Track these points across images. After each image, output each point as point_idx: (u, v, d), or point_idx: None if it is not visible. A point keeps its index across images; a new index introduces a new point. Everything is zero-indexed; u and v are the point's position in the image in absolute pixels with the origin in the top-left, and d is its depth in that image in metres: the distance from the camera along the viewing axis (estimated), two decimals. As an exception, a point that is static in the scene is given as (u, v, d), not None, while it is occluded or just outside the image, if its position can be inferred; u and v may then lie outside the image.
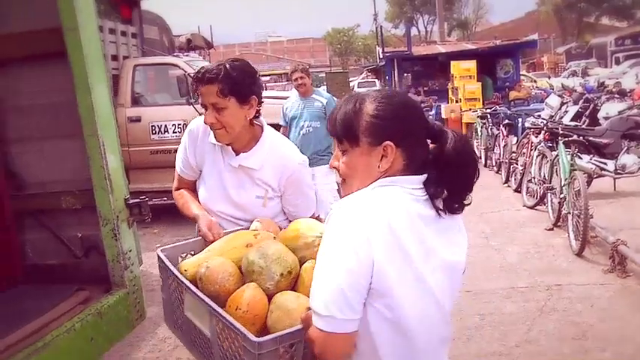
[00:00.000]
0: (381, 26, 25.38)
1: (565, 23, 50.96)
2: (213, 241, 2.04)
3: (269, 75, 39.75)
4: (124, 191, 2.74)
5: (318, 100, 5.87)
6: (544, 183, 6.83)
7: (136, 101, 7.89)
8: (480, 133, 11.06)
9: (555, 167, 6.47)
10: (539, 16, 52.19)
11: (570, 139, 6.68)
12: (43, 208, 3.01)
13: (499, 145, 9.53)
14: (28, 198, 3.02)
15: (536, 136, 7.61)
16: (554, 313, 4.28)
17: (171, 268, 1.88)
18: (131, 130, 7.70)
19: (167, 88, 8.16)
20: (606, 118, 8.40)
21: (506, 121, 10.01)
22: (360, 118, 1.46)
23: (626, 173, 6.80)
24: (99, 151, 2.59)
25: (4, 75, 2.95)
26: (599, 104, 9.45)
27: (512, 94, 14.52)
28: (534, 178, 7.26)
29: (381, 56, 19.68)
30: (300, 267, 1.79)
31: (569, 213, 5.71)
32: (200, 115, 2.30)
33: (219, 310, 1.61)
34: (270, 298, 1.70)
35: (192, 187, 2.40)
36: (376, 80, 29.91)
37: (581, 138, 7.09)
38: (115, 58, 7.63)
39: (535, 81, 24.50)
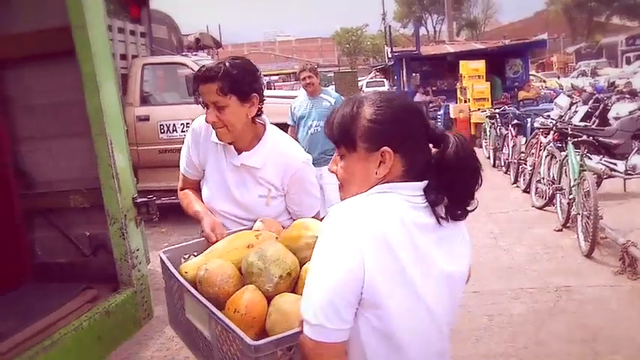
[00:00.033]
0: (389, 26, 25.37)
1: (575, 23, 50.70)
2: (216, 242, 2.03)
3: (277, 74, 39.79)
4: (131, 190, 2.74)
5: (327, 100, 5.86)
6: (553, 183, 6.79)
7: (145, 100, 7.91)
8: (488, 133, 11.02)
9: (564, 168, 6.43)
10: (548, 15, 51.94)
11: (580, 139, 6.63)
12: (52, 206, 3.02)
13: (508, 146, 9.48)
14: (37, 197, 3.04)
15: (545, 137, 7.57)
16: (564, 315, 4.25)
17: (172, 270, 1.87)
18: (140, 129, 7.72)
19: (176, 88, 8.18)
20: (616, 119, 8.32)
21: (515, 121, 9.96)
22: (358, 122, 1.41)
23: (637, 174, 6.73)
24: (107, 150, 2.59)
25: (13, 74, 2.96)
26: (610, 104, 9.37)
27: (521, 94, 14.46)
28: (543, 178, 7.22)
29: (390, 56, 19.67)
30: (302, 268, 1.77)
31: (579, 214, 5.67)
32: None
33: (218, 312, 1.60)
34: (269, 300, 1.68)
35: (197, 187, 2.38)
36: (385, 80, 29.95)
37: (590, 138, 7.04)
38: (123, 57, 7.65)
39: (544, 81, 24.41)
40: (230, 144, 2.23)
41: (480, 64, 13.88)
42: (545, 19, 51.09)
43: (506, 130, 9.77)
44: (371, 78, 33.05)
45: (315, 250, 1.38)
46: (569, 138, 6.52)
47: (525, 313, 4.34)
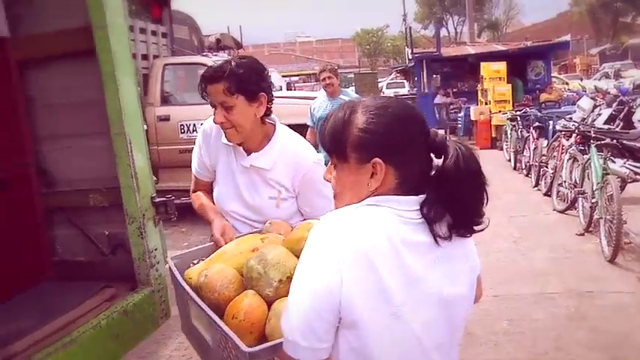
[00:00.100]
0: (410, 27, 25.18)
1: (599, 24, 49.98)
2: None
3: (298, 75, 39.84)
4: (150, 190, 2.75)
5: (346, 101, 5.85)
6: (575, 187, 6.70)
7: (166, 100, 7.96)
8: (509, 136, 10.93)
9: (587, 171, 6.34)
10: (572, 16, 51.30)
11: (603, 142, 6.52)
12: (72, 205, 3.05)
13: (529, 148, 9.38)
14: (57, 195, 3.06)
15: (568, 139, 7.47)
16: (585, 321, 4.18)
17: (178, 276, 1.86)
18: (160, 129, 7.78)
19: (196, 88, 8.17)
20: (641, 122, 8.20)
21: (537, 123, 9.84)
22: (349, 131, 1.31)
23: (662, 178, 6.62)
24: (126, 150, 2.61)
25: (35, 74, 2.99)
26: (635, 107, 9.21)
27: (543, 97, 14.33)
28: (565, 181, 7.13)
29: (410, 57, 19.57)
30: None
31: (602, 218, 5.58)
32: None
33: (216, 319, 1.58)
34: (270, 304, 1.65)
35: (209, 189, 2.36)
36: (405, 81, 29.83)
37: (614, 141, 6.90)
38: (145, 57, 7.72)
39: (567, 83, 24.13)
40: (239, 145, 2.20)
41: (502, 66, 13.79)
42: (568, 20, 50.43)
43: (528, 132, 9.68)
44: (391, 79, 32.98)
45: (299, 261, 1.31)
46: (592, 141, 6.42)
47: (546, 318, 4.28)
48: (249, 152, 2.21)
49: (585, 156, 6.51)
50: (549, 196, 7.79)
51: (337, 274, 1.21)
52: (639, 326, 4.06)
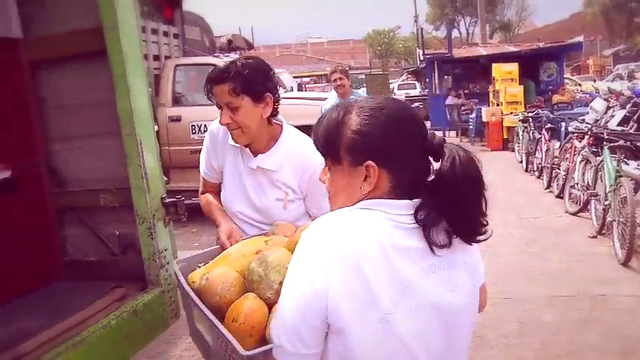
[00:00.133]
0: (421, 28, 25.21)
1: (613, 24, 49.54)
2: None
3: (309, 76, 39.86)
4: (160, 190, 2.76)
5: (357, 102, 5.84)
6: (588, 189, 6.65)
7: (177, 101, 7.99)
8: (521, 137, 10.89)
9: (600, 173, 6.29)
10: (585, 17, 50.92)
11: (616, 144, 6.47)
12: (83, 205, 3.06)
13: (541, 150, 9.33)
14: (68, 195, 3.08)
15: (580, 141, 7.43)
16: (598, 325, 4.13)
17: (181, 280, 1.85)
18: (172, 129, 7.81)
19: (208, 89, 8.23)
20: (656, 123, 8.12)
21: (549, 125, 9.79)
22: (342, 132, 1.27)
23: (677, 181, 6.55)
24: (136, 150, 2.61)
25: (46, 74, 3.01)
26: (649, 108, 9.13)
27: (556, 98, 14.23)
28: (577, 183, 7.08)
29: (422, 58, 19.55)
30: None
31: (615, 220, 5.53)
32: None
33: (216, 322, 1.57)
34: (271, 307, 1.63)
35: (217, 191, 2.35)
36: (416, 82, 29.77)
37: (628, 143, 6.85)
38: (157, 58, 7.76)
39: (579, 84, 23.96)
40: (246, 146, 2.19)
41: (513, 67, 13.72)
42: (581, 21, 50.04)
43: (540, 134, 9.63)
44: (403, 80, 32.89)
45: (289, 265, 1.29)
46: (605, 143, 6.37)
47: (558, 321, 4.24)
48: (255, 153, 2.19)
49: (598, 158, 6.47)
50: (561, 198, 7.73)
51: (324, 279, 1.17)
52: (653, 331, 4.01)
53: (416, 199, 1.25)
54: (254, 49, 15.96)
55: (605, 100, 10.49)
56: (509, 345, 3.91)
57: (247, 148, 2.19)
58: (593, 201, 6.43)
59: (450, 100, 16.46)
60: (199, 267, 1.98)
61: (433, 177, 1.26)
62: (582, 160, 6.98)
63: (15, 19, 2.86)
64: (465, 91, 16.88)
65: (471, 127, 14.89)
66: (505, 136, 13.07)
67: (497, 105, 13.66)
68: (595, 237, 6.15)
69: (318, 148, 1.36)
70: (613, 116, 9.27)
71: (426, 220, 1.22)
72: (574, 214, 7.09)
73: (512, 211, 7.31)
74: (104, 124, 2.80)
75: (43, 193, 3.03)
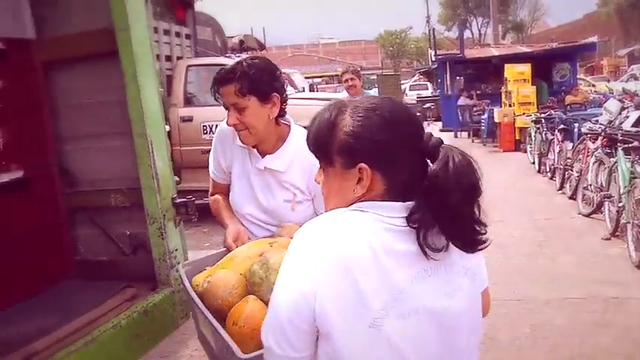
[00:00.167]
0: (433, 29, 25.05)
1: (628, 24, 49.07)
2: None
3: (320, 77, 39.87)
4: (171, 190, 2.77)
5: (368, 102, 5.84)
6: (601, 190, 6.59)
7: (189, 101, 8.03)
8: (533, 138, 10.82)
9: (613, 174, 6.23)
10: (599, 17, 50.49)
11: (631, 145, 6.41)
12: (94, 205, 3.07)
13: (553, 151, 9.27)
14: (79, 195, 3.09)
15: (594, 142, 7.36)
16: (611, 328, 4.08)
17: (186, 283, 1.85)
18: (183, 129, 7.85)
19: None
20: (671, 125, 8.02)
21: (562, 126, 9.71)
22: (334, 134, 1.24)
23: (692, 182, 6.47)
24: (147, 151, 2.62)
25: (58, 75, 3.03)
26: (665, 109, 9.03)
27: (569, 99, 14.14)
28: (590, 185, 7.02)
29: (434, 59, 19.46)
30: None
31: (629, 222, 5.47)
32: None
33: (216, 325, 1.56)
34: None
35: (227, 192, 2.33)
36: (428, 83, 29.71)
37: (643, 144, 6.80)
38: (168, 58, 7.80)
39: (593, 85, 23.78)
40: (254, 147, 2.17)
41: (526, 68, 13.65)
42: (595, 21, 49.67)
43: (552, 135, 9.56)
44: (414, 81, 32.84)
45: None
46: (619, 144, 6.31)
47: (570, 323, 4.20)
48: (263, 154, 2.18)
49: (612, 159, 6.41)
50: (574, 199, 7.67)
51: (312, 281, 1.15)
52: (668, 334, 3.96)
53: (410, 202, 1.21)
54: (266, 49, 15.98)
55: (619, 100, 10.39)
56: (521, 347, 3.88)
57: (255, 149, 2.18)
58: (606, 202, 6.37)
59: (461, 101, 16.40)
60: (205, 270, 1.98)
61: (426, 179, 1.21)
62: (596, 162, 6.92)
63: (29, 20, 2.89)
64: (477, 92, 16.80)
65: (483, 127, 14.81)
66: (517, 137, 13.00)
67: (510, 106, 13.59)
68: (608, 239, 6.09)
69: (310, 149, 1.34)
70: (627, 117, 9.17)
71: (420, 223, 1.17)
72: (587, 215, 7.04)
73: (524, 213, 7.27)
74: (115, 125, 2.81)
75: (54, 193, 3.05)
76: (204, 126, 7.78)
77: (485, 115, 14.61)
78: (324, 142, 1.27)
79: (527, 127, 11.58)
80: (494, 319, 4.13)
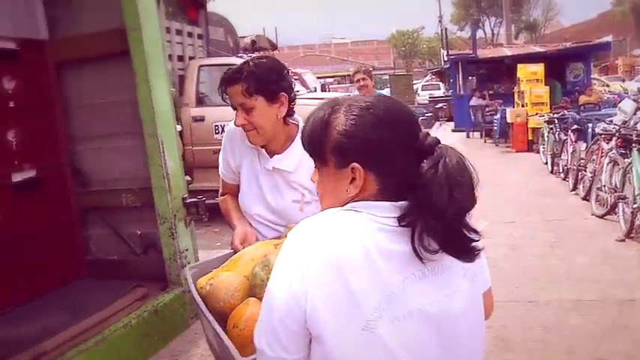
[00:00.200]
0: (445, 29, 25.03)
1: (643, 24, 48.66)
2: None
3: (332, 77, 39.89)
4: (182, 190, 2.77)
5: (380, 102, 5.83)
6: (615, 191, 6.52)
7: (201, 101, 8.05)
8: (546, 139, 10.75)
9: (628, 175, 6.17)
10: (613, 16, 50.03)
11: (646, 145, 6.35)
12: (105, 205, 3.09)
13: (567, 151, 9.20)
14: (91, 195, 3.11)
15: (608, 143, 7.30)
16: (626, 331, 4.03)
17: (191, 286, 1.84)
18: (195, 129, 7.88)
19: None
20: (687, 125, 7.93)
21: (575, 126, 9.64)
22: (328, 133, 1.22)
23: None
24: (158, 151, 2.63)
25: (70, 75, 3.05)
26: (679, 110, 8.93)
27: (582, 99, 14.04)
28: (604, 186, 6.95)
29: (446, 59, 19.44)
30: None
31: (644, 224, 5.42)
32: None
33: (217, 328, 1.55)
34: None
35: (236, 193, 2.32)
36: (440, 83, 29.62)
37: (658, 145, 6.73)
38: (181, 58, 7.83)
39: (607, 85, 23.58)
40: (262, 147, 2.16)
41: (539, 68, 13.55)
42: (610, 20, 49.21)
43: (565, 135, 9.49)
44: (426, 81, 32.75)
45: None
46: (633, 144, 6.25)
47: (584, 326, 4.15)
48: (272, 154, 2.16)
49: (626, 160, 6.34)
50: (587, 200, 7.61)
51: (303, 281, 1.12)
52: (682, 337, 3.91)
53: (403, 201, 1.17)
54: (278, 49, 16.01)
55: (634, 100, 10.29)
56: (534, 349, 3.84)
57: (263, 149, 2.17)
58: (620, 204, 6.31)
59: (474, 101, 16.33)
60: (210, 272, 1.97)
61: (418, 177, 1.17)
62: (610, 162, 6.85)
63: (42, 21, 2.90)
64: (490, 92, 16.74)
65: (496, 128, 14.75)
66: (530, 138, 12.92)
67: (522, 106, 13.51)
68: (623, 240, 6.03)
69: (305, 149, 1.31)
70: (642, 117, 9.10)
71: (413, 223, 1.14)
72: (601, 216, 6.96)
73: (536, 213, 7.21)
74: (127, 125, 2.82)
75: (66, 193, 3.07)
76: (215, 126, 7.80)
77: (498, 116, 14.55)
78: (317, 141, 1.25)
79: (540, 128, 11.52)
80: (507, 320, 4.10)
